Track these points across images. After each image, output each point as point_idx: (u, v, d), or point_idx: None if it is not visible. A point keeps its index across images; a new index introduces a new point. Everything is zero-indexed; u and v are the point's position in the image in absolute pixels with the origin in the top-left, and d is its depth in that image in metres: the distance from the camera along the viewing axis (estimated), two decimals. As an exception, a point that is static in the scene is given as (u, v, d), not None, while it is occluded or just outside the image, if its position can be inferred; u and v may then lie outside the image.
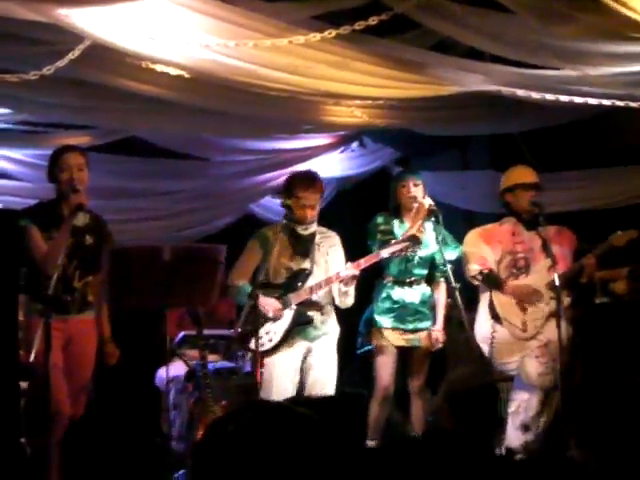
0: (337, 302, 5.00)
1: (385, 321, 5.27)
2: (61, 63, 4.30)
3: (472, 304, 5.30)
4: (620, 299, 5.74)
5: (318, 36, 4.02)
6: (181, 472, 4.71)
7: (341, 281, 4.88)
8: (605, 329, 5.56)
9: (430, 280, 5.39)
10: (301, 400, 4.11)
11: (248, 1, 4.09)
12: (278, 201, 6.30)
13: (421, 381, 5.31)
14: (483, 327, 5.17)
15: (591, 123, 6.02)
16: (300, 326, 4.90)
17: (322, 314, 4.96)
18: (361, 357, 6.17)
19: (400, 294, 5.30)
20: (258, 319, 4.65)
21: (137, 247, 5.09)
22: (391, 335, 5.27)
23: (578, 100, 4.80)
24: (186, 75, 4.71)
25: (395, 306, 5.28)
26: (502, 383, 5.13)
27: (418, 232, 5.11)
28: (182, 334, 6.03)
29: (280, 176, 6.90)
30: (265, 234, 5.01)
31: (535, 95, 4.79)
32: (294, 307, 4.89)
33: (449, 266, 5.02)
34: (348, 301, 4.98)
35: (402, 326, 5.27)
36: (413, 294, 5.31)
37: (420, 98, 5.03)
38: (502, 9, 4.00)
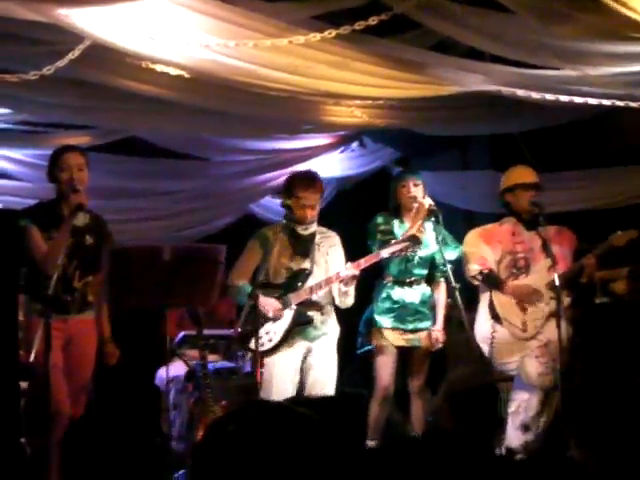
0: (337, 302, 5.00)
1: (385, 321, 5.27)
2: (61, 63, 4.30)
3: (472, 304, 5.29)
4: (620, 299, 5.74)
5: (318, 36, 4.01)
6: (181, 472, 4.71)
7: (341, 281, 4.88)
8: (605, 329, 5.56)
9: (430, 280, 5.39)
10: (301, 400, 4.11)
11: (248, 1, 4.09)
12: (278, 201, 6.30)
13: (421, 381, 5.31)
14: (483, 327, 5.17)
15: (591, 123, 6.02)
16: (300, 326, 4.89)
17: (322, 314, 4.96)
18: (361, 357, 6.17)
19: (400, 294, 5.30)
20: (258, 319, 4.65)
21: (137, 247, 5.09)
22: (391, 335, 5.26)
23: (578, 100, 4.79)
24: (186, 75, 4.70)
25: (395, 306, 5.28)
26: (502, 383, 5.13)
27: (418, 232, 5.11)
28: (182, 334, 6.03)
29: (280, 176, 6.89)
30: (265, 234, 5.01)
31: (535, 95, 4.79)
32: (294, 307, 4.89)
33: (449, 266, 5.01)
34: (348, 301, 4.98)
35: (402, 326, 5.27)
36: (413, 294, 5.31)
37: (420, 98, 5.03)
38: (502, 9, 4.00)
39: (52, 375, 4.11)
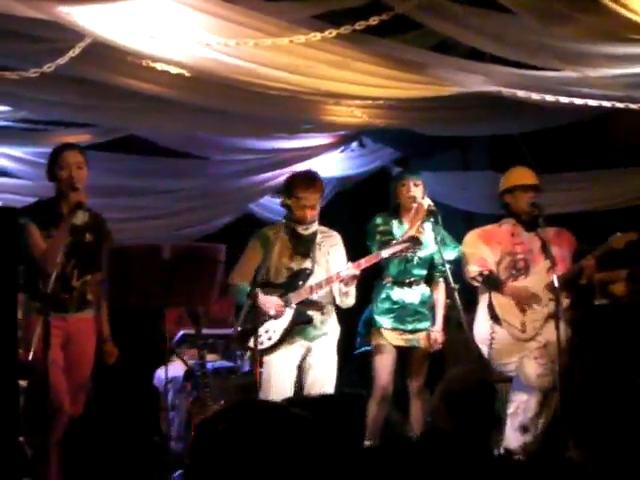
0: (338, 302, 5.00)
1: (385, 321, 5.27)
2: (62, 61, 4.29)
3: (471, 305, 5.29)
4: (619, 301, 5.75)
5: (319, 36, 4.01)
6: (179, 472, 4.70)
7: (341, 281, 4.88)
8: (604, 331, 5.56)
9: (429, 280, 5.39)
10: (298, 400, 4.10)
11: (249, 0, 4.09)
12: (278, 201, 6.30)
13: (420, 382, 5.31)
14: (482, 328, 5.17)
15: (591, 124, 6.02)
16: (300, 325, 4.89)
17: (322, 314, 4.96)
18: (360, 357, 6.17)
19: (400, 295, 5.29)
20: (258, 318, 4.65)
21: (137, 246, 5.09)
22: (390, 335, 5.26)
23: (578, 101, 4.79)
24: (186, 74, 4.70)
25: (395, 307, 5.28)
26: (501, 384, 5.13)
27: (417, 232, 5.11)
28: (181, 333, 6.03)
29: (280, 176, 6.90)
30: (266, 234, 5.01)
31: (535, 96, 4.79)
32: (294, 306, 4.89)
33: (448, 266, 5.01)
34: (349, 301, 4.97)
35: (401, 327, 5.27)
36: (412, 294, 5.31)
37: (420, 98, 5.02)
38: (503, 10, 4.00)
39: (51, 373, 4.11)
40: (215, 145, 7.25)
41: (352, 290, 4.92)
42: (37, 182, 6.47)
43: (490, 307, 5.17)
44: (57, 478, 4.42)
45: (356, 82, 4.66)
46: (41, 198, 4.80)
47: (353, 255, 5.04)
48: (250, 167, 7.53)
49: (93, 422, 4.92)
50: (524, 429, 4.95)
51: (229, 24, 3.92)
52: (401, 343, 5.27)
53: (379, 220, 5.35)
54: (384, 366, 5.24)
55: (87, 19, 3.85)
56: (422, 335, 5.29)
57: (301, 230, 4.94)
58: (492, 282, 5.17)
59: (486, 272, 5.17)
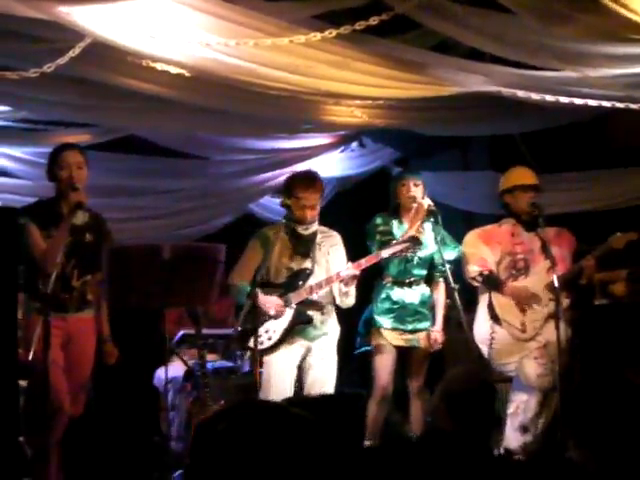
0: (338, 302, 5.00)
1: (385, 321, 5.27)
2: (62, 61, 4.29)
3: (471, 305, 5.29)
4: (619, 301, 5.74)
5: (319, 36, 4.01)
6: (179, 472, 4.71)
7: (341, 281, 4.88)
8: (604, 331, 5.56)
9: (429, 280, 5.39)
10: (298, 400, 4.10)
11: (249, 0, 4.09)
12: (278, 201, 6.30)
13: (420, 382, 5.31)
14: (482, 328, 5.17)
15: (591, 124, 6.02)
16: (300, 325, 4.89)
17: (322, 314, 4.96)
18: (360, 357, 6.17)
19: (400, 295, 5.29)
20: (258, 318, 4.65)
21: (136, 246, 5.08)
22: (390, 335, 5.26)
23: (578, 101, 4.79)
24: (186, 74, 4.70)
25: (395, 307, 5.28)
26: (501, 384, 5.13)
27: (417, 232, 5.11)
28: (181, 333, 6.02)
29: (280, 176, 6.90)
30: (266, 234, 5.01)
31: (535, 96, 4.79)
32: (294, 306, 4.89)
33: (448, 266, 5.01)
34: (349, 301, 4.98)
35: (402, 327, 5.27)
36: (413, 294, 5.31)
37: (420, 98, 5.02)
38: (503, 10, 4.00)
39: (51, 373, 4.11)
40: (215, 145, 7.25)
41: (352, 290, 4.92)
42: (37, 182, 6.47)
43: (490, 307, 5.17)
44: (57, 478, 4.42)
45: (356, 82, 4.66)
46: (41, 198, 4.80)
47: (353, 255, 5.04)
48: (250, 167, 7.53)
49: (93, 422, 4.92)
50: (524, 429, 4.95)
51: (229, 24, 3.92)
52: (401, 343, 5.27)
53: (379, 220, 5.35)
54: (384, 366, 5.24)
55: (87, 19, 3.85)
56: (422, 335, 5.29)
57: (301, 230, 4.94)
58: (492, 282, 5.17)
59: (486, 272, 5.17)
